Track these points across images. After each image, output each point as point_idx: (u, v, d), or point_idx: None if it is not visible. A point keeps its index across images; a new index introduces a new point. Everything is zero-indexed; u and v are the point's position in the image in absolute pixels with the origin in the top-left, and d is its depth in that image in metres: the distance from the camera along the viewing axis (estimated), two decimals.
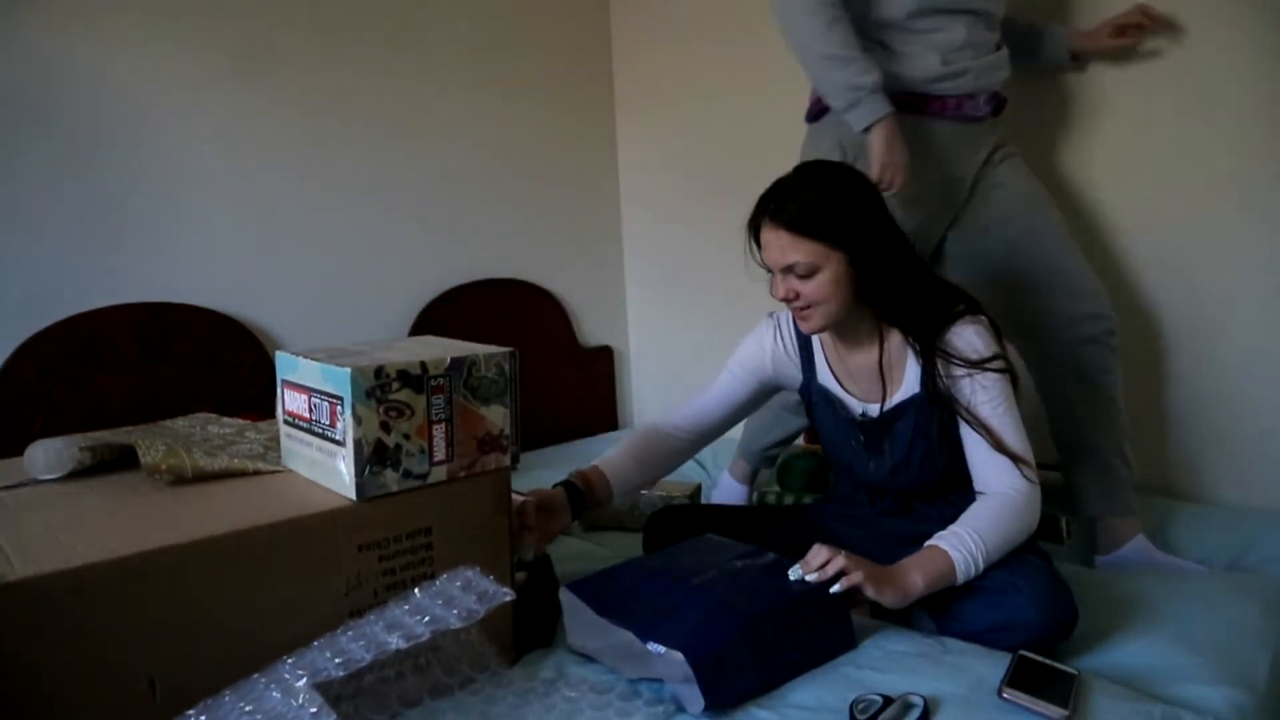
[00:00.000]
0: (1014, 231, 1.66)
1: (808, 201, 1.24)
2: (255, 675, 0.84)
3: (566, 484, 1.37)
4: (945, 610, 1.19)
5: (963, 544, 1.15)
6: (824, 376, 1.41)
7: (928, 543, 1.18)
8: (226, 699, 0.81)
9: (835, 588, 1.09)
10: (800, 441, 2.04)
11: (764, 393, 1.51)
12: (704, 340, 2.74)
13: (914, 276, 1.29)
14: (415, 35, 2.36)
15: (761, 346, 1.46)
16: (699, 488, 1.93)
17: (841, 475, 1.52)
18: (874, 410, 1.35)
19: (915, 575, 1.13)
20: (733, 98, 2.54)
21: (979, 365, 1.24)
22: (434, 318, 2.37)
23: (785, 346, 1.44)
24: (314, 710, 0.78)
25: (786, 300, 1.29)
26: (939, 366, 1.26)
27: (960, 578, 1.15)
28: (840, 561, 1.11)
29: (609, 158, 2.88)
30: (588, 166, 2.82)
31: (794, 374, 1.45)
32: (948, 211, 1.71)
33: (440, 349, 1.12)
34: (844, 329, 1.33)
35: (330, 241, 2.23)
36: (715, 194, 2.56)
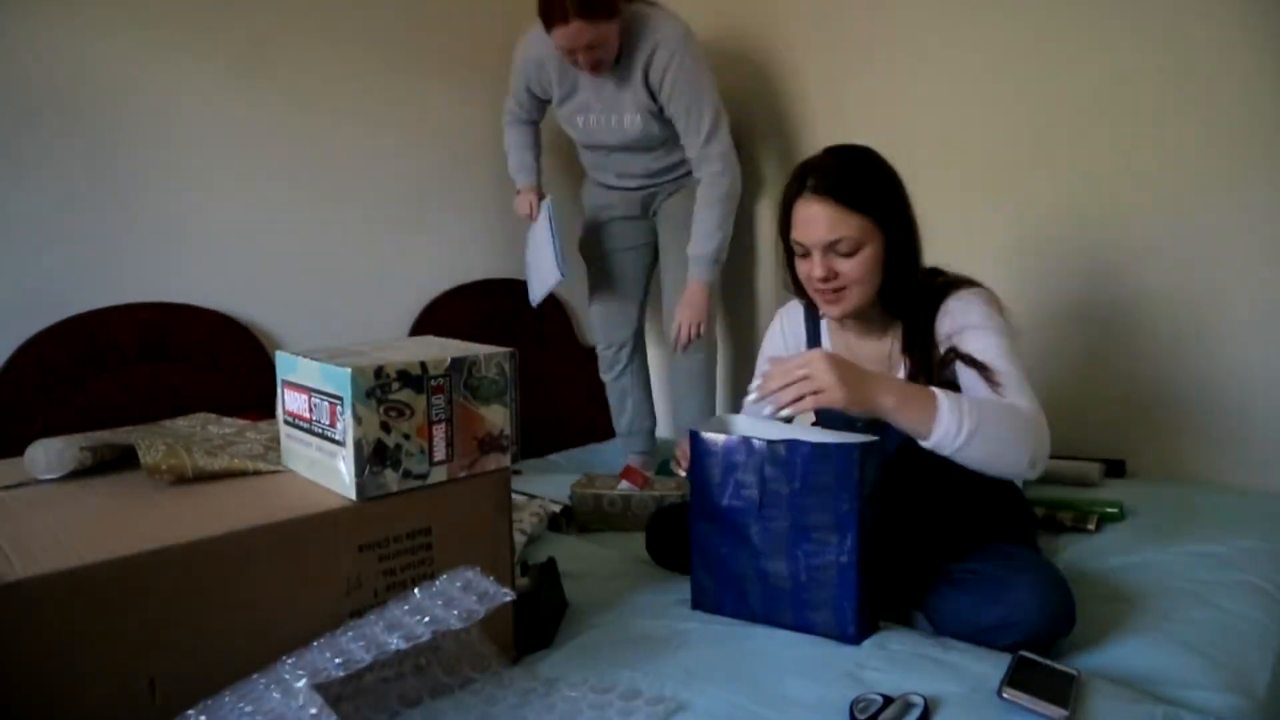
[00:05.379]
0: None
1: (855, 176, 1.22)
2: (255, 675, 0.84)
3: None
4: (941, 609, 1.19)
5: (955, 401, 1.09)
6: None
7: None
8: (226, 699, 0.81)
9: (789, 412, 1.09)
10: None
11: None
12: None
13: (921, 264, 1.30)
14: (415, 35, 2.36)
15: (776, 339, 1.47)
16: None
17: None
18: None
19: (888, 397, 1.08)
20: (731, 97, 2.54)
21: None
22: (434, 318, 2.37)
23: (793, 334, 1.44)
24: (314, 710, 0.78)
25: (824, 280, 1.23)
26: (935, 343, 1.24)
27: (937, 431, 1.08)
28: (800, 388, 1.06)
29: None
30: None
31: None
32: None
33: (440, 349, 1.11)
34: (861, 315, 1.31)
35: (330, 241, 2.23)
36: None
